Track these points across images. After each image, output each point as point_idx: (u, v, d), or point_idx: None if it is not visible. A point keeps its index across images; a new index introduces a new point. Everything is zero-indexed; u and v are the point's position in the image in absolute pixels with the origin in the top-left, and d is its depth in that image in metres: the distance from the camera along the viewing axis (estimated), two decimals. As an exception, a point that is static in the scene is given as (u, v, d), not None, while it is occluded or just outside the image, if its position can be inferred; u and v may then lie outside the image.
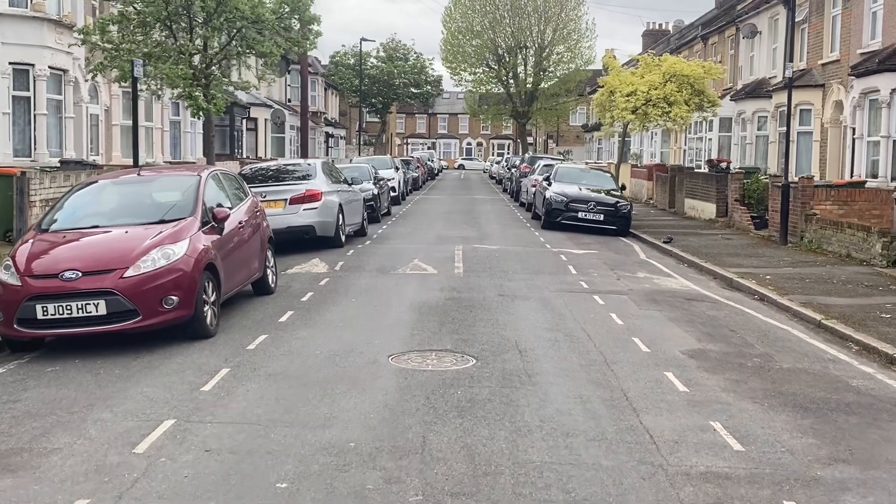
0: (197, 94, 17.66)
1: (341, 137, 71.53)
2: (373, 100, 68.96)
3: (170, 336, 9.07)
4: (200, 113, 17.80)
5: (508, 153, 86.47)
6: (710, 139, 35.89)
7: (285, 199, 16.28)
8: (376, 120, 77.66)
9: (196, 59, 18.80)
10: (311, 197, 16.38)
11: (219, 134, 38.31)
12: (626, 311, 11.35)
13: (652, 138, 45.62)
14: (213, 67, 19.30)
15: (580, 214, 22.82)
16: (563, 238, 21.19)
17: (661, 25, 66.09)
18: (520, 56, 64.78)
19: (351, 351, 8.62)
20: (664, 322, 10.75)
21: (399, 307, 11.13)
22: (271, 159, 38.45)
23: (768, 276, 14.94)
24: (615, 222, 22.82)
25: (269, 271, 12.08)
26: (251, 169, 18.38)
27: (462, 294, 12.22)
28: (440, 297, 11.90)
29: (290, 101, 52.07)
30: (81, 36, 18.75)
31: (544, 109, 67.55)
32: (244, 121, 40.29)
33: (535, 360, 8.36)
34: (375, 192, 24.77)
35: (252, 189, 16.14)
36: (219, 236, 9.90)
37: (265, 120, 43.86)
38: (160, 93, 19.05)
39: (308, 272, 14.31)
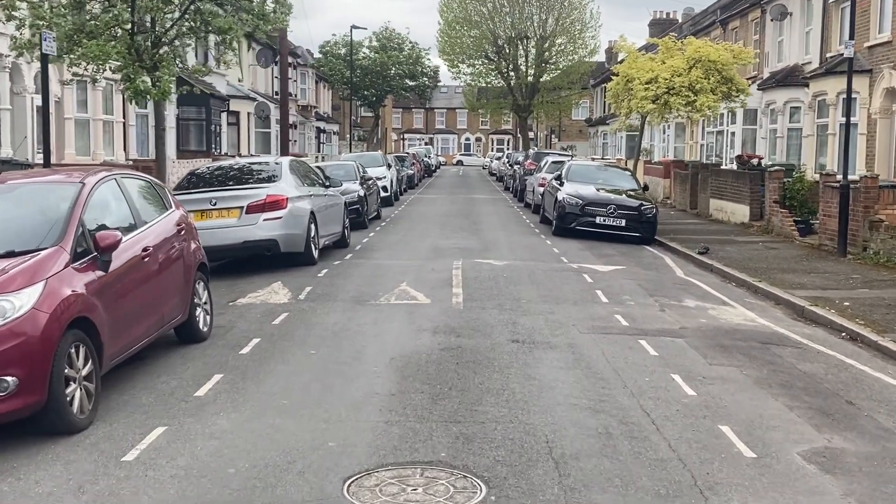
0: (134, 76, 14.37)
1: (334, 133, 68.20)
2: (365, 92, 65.45)
3: (20, 430, 5.89)
4: (138, 99, 14.52)
5: (508, 148, 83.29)
6: (732, 133, 32.66)
7: (241, 207, 13.05)
8: (371, 114, 74.31)
9: (140, 37, 15.52)
10: (274, 204, 13.16)
11: (195, 129, 35.13)
12: (690, 368, 8.14)
13: (664, 132, 42.40)
14: (164, 47, 16.03)
15: (598, 220, 19.63)
16: (579, 248, 18.00)
17: (668, 14, 62.89)
18: (520, 47, 61.55)
19: (286, 467, 5.38)
20: (751, 388, 7.55)
21: (374, 365, 7.92)
22: (252, 156, 35.24)
23: (846, 303, 11.78)
24: (639, 228, 19.64)
25: (199, 311, 8.88)
26: (208, 168, 15.16)
27: (462, 339, 9.01)
28: (432, 346, 8.69)
29: (276, 94, 48.69)
30: (6, 11, 15.46)
31: (546, 103, 64.37)
32: (223, 114, 36.96)
33: (583, 487, 5.13)
34: (361, 193, 21.57)
35: (201, 194, 13.06)
36: (103, 273, 6.68)
37: (248, 114, 40.60)
38: (97, 76, 15.68)
39: (263, 303, 11.09)
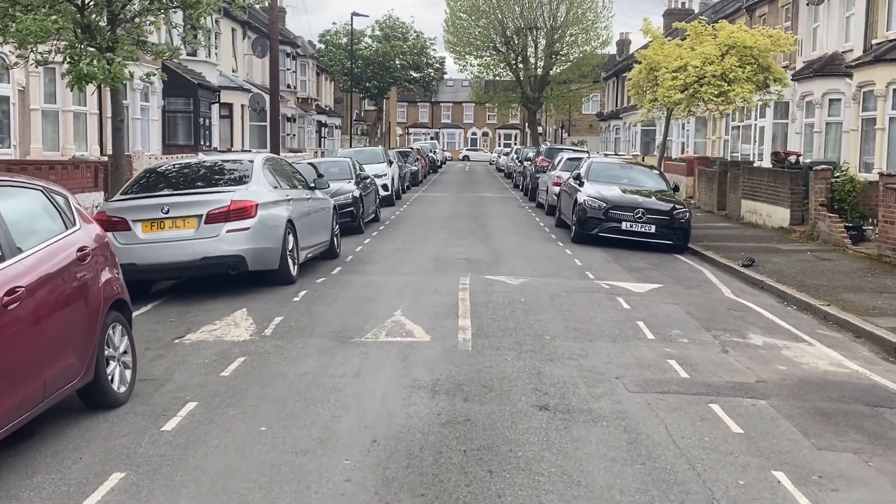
0: (78, 57, 11.96)
1: (336, 127, 65.79)
2: (367, 84, 62.81)
3: None
4: (81, 84, 12.12)
5: (516, 143, 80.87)
6: (761, 127, 30.22)
7: (199, 216, 10.64)
8: (374, 108, 71.82)
9: (93, 13, 13.14)
10: (241, 211, 10.77)
11: (182, 121, 32.81)
12: (794, 456, 5.76)
13: (684, 127, 39.94)
14: (123, 26, 13.67)
15: (624, 225, 17.23)
16: (604, 259, 15.64)
17: (683, 4, 60.45)
18: (530, 38, 59.10)
19: None
20: (892, 496, 5.18)
21: (346, 456, 5.53)
22: (245, 152, 33.01)
23: (946, 336, 9.40)
24: (671, 235, 17.26)
25: (113, 366, 6.52)
26: (173, 165, 12.72)
27: (472, 405, 6.63)
28: (431, 417, 6.31)
29: (274, 85, 46.24)
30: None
31: (556, 96, 61.91)
32: (214, 106, 34.59)
33: None
34: (357, 194, 19.21)
35: (151, 199, 10.71)
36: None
37: (242, 106, 38.17)
38: (42, 57, 13.21)
39: (218, 340, 8.72)
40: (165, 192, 11.09)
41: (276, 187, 11.95)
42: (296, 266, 11.94)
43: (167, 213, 10.55)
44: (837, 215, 18.55)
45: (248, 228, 10.74)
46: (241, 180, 11.57)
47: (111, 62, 12.43)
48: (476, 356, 8.12)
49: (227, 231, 10.60)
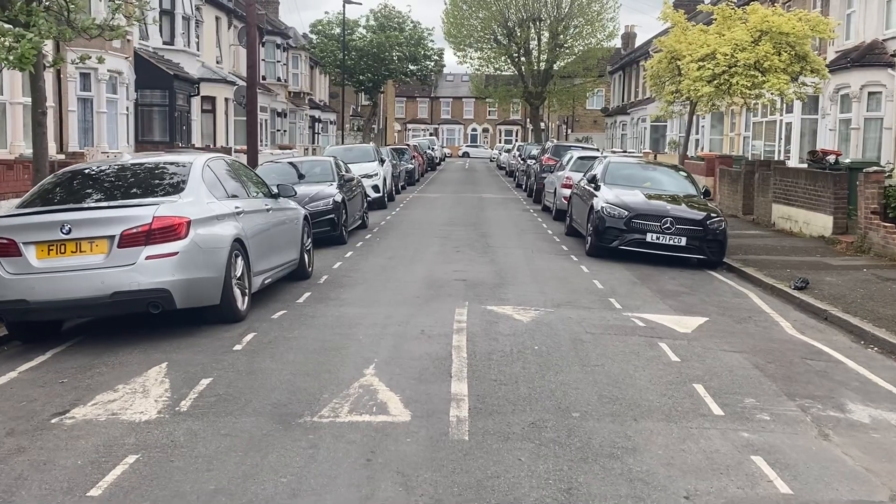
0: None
1: (331, 122, 63.20)
2: (361, 77, 60.03)
3: None
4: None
5: (517, 139, 78.27)
6: (787, 123, 27.66)
7: (111, 237, 8.07)
8: (370, 103, 69.10)
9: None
10: (166, 231, 8.18)
11: (158, 115, 30.24)
12: None
13: (698, 122, 37.38)
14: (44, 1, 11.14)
15: (649, 237, 14.71)
16: (627, 278, 13.15)
17: (693, -6, 57.63)
18: (533, 30, 56.57)
19: None
20: None
21: None
22: (223, 149, 30.48)
23: None
24: (704, 249, 14.77)
25: None
26: (103, 167, 9.99)
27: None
28: None
29: (264, 78, 43.66)
30: None
31: (559, 91, 59.39)
32: (194, 100, 32.01)
33: None
34: (338, 199, 16.67)
35: (50, 215, 8.18)
36: None
37: (226, 100, 35.55)
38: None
39: (112, 420, 6.17)
40: (71, 204, 8.51)
41: (221, 197, 9.38)
42: (246, 298, 9.36)
43: (69, 233, 7.97)
44: (893, 225, 16.03)
45: (176, 253, 8.15)
46: (176, 188, 9.00)
47: (22, 37, 9.87)
48: (475, 453, 5.56)
49: (148, 257, 8.02)
